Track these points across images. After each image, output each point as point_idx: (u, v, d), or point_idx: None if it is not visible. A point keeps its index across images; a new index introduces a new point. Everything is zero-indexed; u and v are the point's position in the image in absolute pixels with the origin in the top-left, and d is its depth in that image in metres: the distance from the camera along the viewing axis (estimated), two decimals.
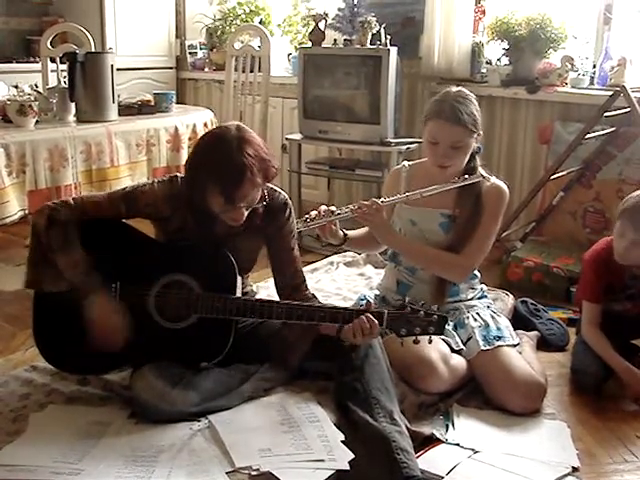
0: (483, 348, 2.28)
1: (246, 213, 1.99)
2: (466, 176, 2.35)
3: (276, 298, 2.22)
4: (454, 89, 2.37)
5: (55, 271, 2.00)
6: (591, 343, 2.52)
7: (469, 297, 2.47)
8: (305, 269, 3.33)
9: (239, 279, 2.08)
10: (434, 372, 2.18)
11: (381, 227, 2.33)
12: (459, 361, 2.28)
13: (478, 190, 2.36)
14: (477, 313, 2.42)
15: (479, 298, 2.51)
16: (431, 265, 2.36)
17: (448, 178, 2.34)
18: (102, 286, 2.00)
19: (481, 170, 2.40)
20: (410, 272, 2.44)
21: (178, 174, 2.11)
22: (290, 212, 2.16)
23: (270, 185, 2.10)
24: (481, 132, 2.36)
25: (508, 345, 2.30)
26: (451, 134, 2.28)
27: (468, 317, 2.40)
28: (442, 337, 2.25)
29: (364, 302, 2.34)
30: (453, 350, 2.30)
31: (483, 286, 2.57)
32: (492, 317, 2.42)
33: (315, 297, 2.18)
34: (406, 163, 2.54)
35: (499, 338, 2.31)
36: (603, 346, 2.50)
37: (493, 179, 2.41)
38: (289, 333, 2.10)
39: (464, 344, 2.33)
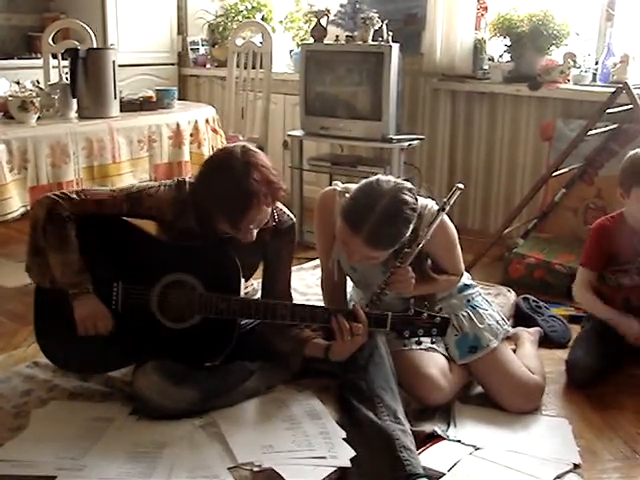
0: (459, 362, 2.26)
1: (255, 232, 1.98)
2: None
3: None
4: (387, 192, 1.95)
5: (43, 266, 2.00)
6: (586, 305, 2.61)
7: (445, 295, 2.32)
8: (307, 265, 3.36)
9: (242, 280, 2.08)
10: (436, 389, 2.16)
11: (411, 287, 2.10)
12: (457, 373, 2.26)
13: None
14: (455, 315, 2.28)
15: (459, 292, 2.34)
16: (434, 292, 2.28)
17: None
18: (91, 288, 1.99)
19: (421, 201, 2.08)
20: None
21: (186, 178, 2.09)
22: (294, 237, 2.17)
23: (280, 206, 2.10)
24: (410, 230, 2.00)
25: (487, 353, 2.23)
26: (366, 252, 1.98)
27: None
28: (433, 346, 2.24)
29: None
30: (446, 357, 2.27)
31: (464, 277, 2.36)
32: (470, 318, 2.29)
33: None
34: (339, 186, 2.21)
35: (475, 349, 2.25)
36: (597, 305, 2.56)
37: (428, 206, 2.13)
38: (280, 345, 2.11)
39: (446, 349, 2.30)
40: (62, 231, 1.96)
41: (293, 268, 2.29)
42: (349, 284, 2.41)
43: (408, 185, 2.02)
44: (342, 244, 2.05)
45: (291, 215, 2.17)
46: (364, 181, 2.04)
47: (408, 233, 2.00)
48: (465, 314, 2.30)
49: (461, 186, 2.10)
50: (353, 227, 1.94)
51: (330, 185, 4.80)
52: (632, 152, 2.57)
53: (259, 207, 1.90)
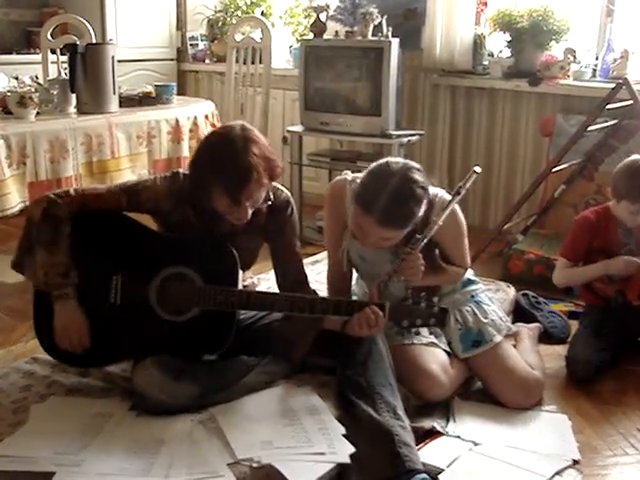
0: (462, 356, 2.27)
1: (250, 212, 1.97)
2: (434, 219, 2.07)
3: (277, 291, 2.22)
4: (397, 172, 1.97)
5: (34, 265, 1.99)
6: (568, 280, 2.72)
7: (449, 289, 2.33)
8: (306, 261, 3.34)
9: (240, 272, 2.07)
10: (436, 385, 2.16)
11: (420, 275, 2.09)
12: (457, 369, 2.26)
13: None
14: (459, 310, 2.31)
15: (463, 287, 2.35)
16: (439, 283, 2.27)
17: None
18: (73, 293, 1.97)
19: (432, 190, 2.08)
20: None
21: (180, 170, 2.09)
22: (292, 210, 2.15)
23: (274, 183, 2.09)
24: (423, 210, 2.01)
25: (490, 347, 2.24)
26: (380, 233, 1.99)
27: (450, 316, 2.27)
28: (434, 340, 2.25)
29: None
30: (446, 352, 2.27)
31: (468, 272, 2.37)
32: (474, 313, 2.30)
33: (316, 294, 2.16)
34: (349, 175, 2.22)
35: (478, 343, 2.25)
36: (577, 271, 2.63)
37: (439, 195, 2.14)
38: (290, 329, 2.10)
39: (448, 344, 2.30)
40: (55, 231, 1.96)
41: None
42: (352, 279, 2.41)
43: (417, 165, 2.03)
44: (356, 227, 2.05)
45: (286, 191, 2.15)
46: (374, 164, 2.05)
47: (420, 213, 2.00)
48: (469, 309, 2.31)
49: (478, 170, 2.09)
50: (365, 208, 1.96)
51: (329, 181, 4.83)
52: (632, 159, 2.57)
53: (258, 181, 1.90)
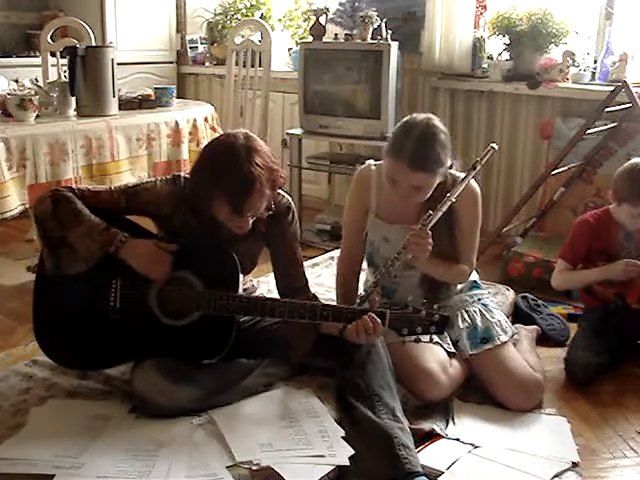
0: (470, 352, 2.27)
1: (251, 221, 1.97)
2: (449, 194, 2.13)
3: (276, 294, 2.22)
4: (420, 121, 2.13)
5: (70, 253, 1.98)
6: (566, 283, 2.73)
7: (457, 290, 2.40)
8: (306, 264, 3.32)
9: (241, 277, 2.07)
10: (435, 385, 2.17)
11: (427, 253, 2.12)
12: (457, 368, 2.27)
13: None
14: (466, 310, 2.35)
15: (470, 289, 2.43)
16: (444, 278, 2.29)
17: None
18: (128, 235, 1.96)
19: (454, 172, 2.23)
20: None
21: (182, 173, 2.09)
22: (293, 216, 2.15)
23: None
24: (449, 161, 2.15)
25: (497, 345, 2.26)
26: (412, 179, 2.09)
27: (457, 316, 2.34)
28: (437, 340, 2.25)
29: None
30: (447, 352, 2.28)
31: (474, 276, 2.45)
32: (482, 313, 2.35)
33: (317, 298, 2.16)
34: (372, 163, 2.35)
35: (486, 340, 2.27)
36: (575, 275, 2.64)
37: (462, 176, 2.21)
38: (289, 332, 2.10)
39: (454, 344, 2.31)
40: (73, 206, 1.95)
41: None
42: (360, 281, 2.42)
43: (438, 119, 2.17)
44: (389, 182, 2.15)
45: (287, 196, 2.15)
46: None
47: (446, 162, 2.11)
48: (476, 310, 2.36)
49: (495, 146, 2.17)
50: (395, 154, 2.10)
51: (329, 184, 4.82)
52: (633, 162, 2.58)
53: (261, 192, 1.90)
